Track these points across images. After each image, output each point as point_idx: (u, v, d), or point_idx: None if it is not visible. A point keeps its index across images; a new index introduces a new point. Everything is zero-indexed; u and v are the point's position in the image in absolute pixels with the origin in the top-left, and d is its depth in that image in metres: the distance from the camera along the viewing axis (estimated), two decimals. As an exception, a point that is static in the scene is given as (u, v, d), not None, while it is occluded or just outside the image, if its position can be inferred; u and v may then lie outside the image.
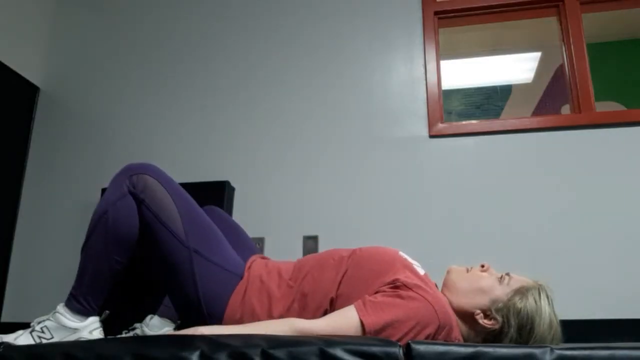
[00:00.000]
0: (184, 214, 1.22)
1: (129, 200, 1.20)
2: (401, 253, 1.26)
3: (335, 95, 2.56)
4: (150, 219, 1.20)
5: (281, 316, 1.17)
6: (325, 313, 1.16)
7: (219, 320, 1.19)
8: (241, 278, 1.23)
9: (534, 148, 2.31)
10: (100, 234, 1.18)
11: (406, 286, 1.11)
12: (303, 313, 1.16)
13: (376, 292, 1.12)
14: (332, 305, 1.17)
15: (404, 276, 1.14)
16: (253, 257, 1.34)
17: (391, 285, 1.12)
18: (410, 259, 1.25)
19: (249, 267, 1.27)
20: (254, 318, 1.17)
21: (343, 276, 1.19)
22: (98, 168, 2.64)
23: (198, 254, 1.20)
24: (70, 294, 1.18)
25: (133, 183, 1.21)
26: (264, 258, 1.39)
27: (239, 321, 1.18)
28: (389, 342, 0.89)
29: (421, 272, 1.22)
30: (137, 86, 2.77)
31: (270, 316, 1.18)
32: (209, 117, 2.64)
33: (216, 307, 1.19)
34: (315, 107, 2.56)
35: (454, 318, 1.16)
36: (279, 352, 0.85)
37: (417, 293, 1.09)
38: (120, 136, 2.69)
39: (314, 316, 1.15)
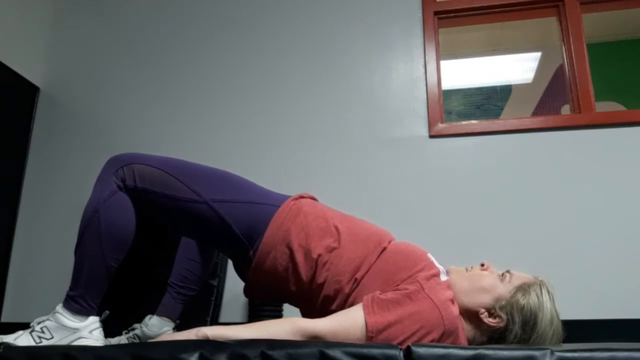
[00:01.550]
0: (182, 177, 1.22)
1: (120, 196, 1.20)
2: (430, 255, 1.26)
3: (336, 96, 2.56)
4: (159, 200, 1.21)
5: (312, 255, 1.18)
6: (338, 291, 1.16)
7: (257, 248, 1.21)
8: (279, 206, 1.24)
9: (534, 148, 2.31)
10: (93, 234, 1.18)
11: (421, 285, 1.11)
12: (330, 265, 1.17)
13: (393, 287, 1.12)
14: (352, 286, 1.16)
15: (423, 275, 1.14)
16: (303, 194, 1.34)
17: (407, 282, 1.12)
18: (437, 263, 1.24)
19: (297, 198, 1.28)
20: (288, 247, 1.19)
21: (372, 265, 1.19)
22: (98, 168, 2.62)
23: (217, 201, 1.21)
24: (67, 295, 1.18)
25: (121, 178, 1.20)
26: (313, 199, 1.39)
27: (275, 246, 1.19)
28: (389, 345, 0.89)
29: (444, 278, 1.20)
30: (137, 86, 2.76)
31: (305, 250, 1.19)
32: (211, 119, 2.64)
33: (255, 235, 1.20)
34: (316, 108, 2.56)
35: (461, 324, 1.15)
36: (278, 354, 0.85)
37: (427, 295, 1.09)
38: (121, 136, 2.69)
39: (333, 278, 1.16)
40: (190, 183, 1.22)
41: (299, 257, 1.19)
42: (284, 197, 1.28)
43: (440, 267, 1.24)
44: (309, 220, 1.23)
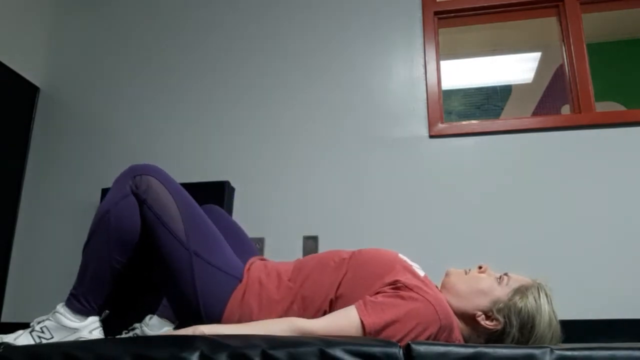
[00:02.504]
0: (185, 215, 1.22)
1: (131, 200, 1.20)
2: (401, 255, 1.26)
3: (336, 96, 2.56)
4: (152, 220, 1.20)
5: (278, 318, 1.17)
6: (324, 314, 1.15)
7: (217, 323, 1.19)
8: (240, 280, 1.23)
9: (534, 148, 2.31)
10: (102, 234, 1.19)
11: (407, 287, 1.11)
12: (303, 315, 1.16)
13: (377, 293, 1.12)
14: (332, 307, 1.17)
15: (404, 277, 1.14)
16: (252, 259, 1.33)
17: (392, 286, 1.12)
18: (410, 261, 1.25)
19: (248, 269, 1.27)
20: (252, 321, 1.17)
21: (343, 278, 1.19)
22: (98, 168, 2.64)
23: (198, 256, 1.20)
24: (71, 293, 1.19)
25: (136, 184, 1.21)
26: (262, 259, 1.39)
27: (239, 321, 1.17)
28: (389, 343, 0.89)
29: (421, 273, 1.22)
30: (137, 86, 2.77)
31: (268, 318, 1.17)
32: (209, 117, 2.64)
33: (214, 310, 1.19)
34: (316, 108, 2.56)
35: (455, 319, 1.16)
36: (278, 353, 0.85)
37: (417, 294, 1.09)
38: (120, 136, 2.69)
39: (314, 317, 1.15)
40: (187, 224, 1.21)
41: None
42: (241, 268, 1.27)
43: (415, 264, 1.25)
44: (264, 286, 1.22)
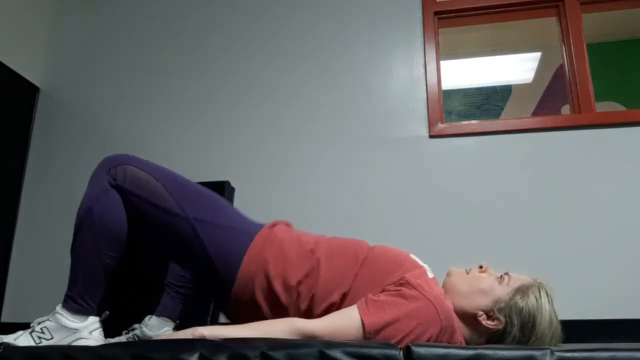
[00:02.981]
0: (172, 189, 1.22)
1: (112, 194, 1.20)
2: (412, 255, 1.26)
3: (336, 96, 2.55)
4: (141, 205, 1.20)
5: (291, 283, 1.16)
6: (331, 306, 1.15)
7: (233, 279, 1.19)
8: (254, 235, 1.22)
9: (534, 148, 2.31)
10: (88, 232, 1.19)
11: (410, 284, 1.11)
12: (313, 289, 1.15)
13: (382, 291, 1.12)
14: (342, 301, 1.15)
15: (410, 275, 1.14)
16: (276, 221, 1.33)
17: (396, 285, 1.12)
18: (420, 262, 1.25)
19: (271, 226, 1.27)
20: (266, 277, 1.17)
21: (357, 273, 1.18)
22: (98, 168, 2.64)
23: (199, 220, 1.20)
24: (66, 294, 1.18)
25: (113, 176, 1.21)
26: (287, 225, 1.38)
27: (252, 277, 1.18)
28: (388, 345, 0.89)
29: (430, 275, 1.21)
30: (137, 86, 2.76)
31: (283, 279, 1.17)
32: (209, 117, 2.64)
33: (231, 265, 1.19)
34: (316, 108, 2.56)
35: (456, 320, 1.16)
36: (278, 354, 0.85)
37: (420, 293, 1.09)
38: (120, 136, 2.69)
39: (320, 300, 1.14)
40: (177, 196, 1.22)
41: (278, 287, 1.17)
42: (260, 226, 1.27)
43: (425, 265, 1.24)
44: (285, 247, 1.21)
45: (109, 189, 1.20)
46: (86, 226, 1.19)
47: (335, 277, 1.17)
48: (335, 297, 1.16)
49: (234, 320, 1.30)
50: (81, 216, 1.20)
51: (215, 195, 1.29)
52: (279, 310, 1.18)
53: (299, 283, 1.17)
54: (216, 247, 1.19)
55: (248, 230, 1.24)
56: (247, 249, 1.20)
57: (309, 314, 1.16)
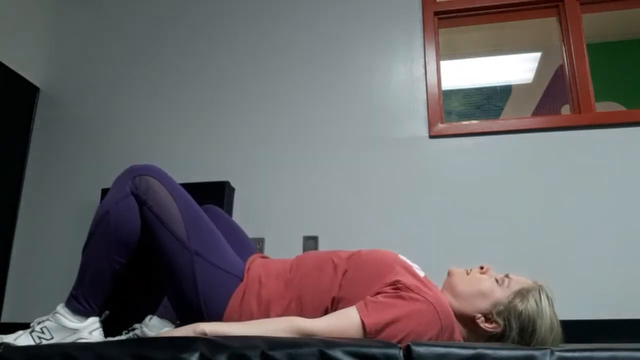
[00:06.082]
0: (185, 216, 1.22)
1: (131, 201, 1.20)
2: (401, 256, 1.26)
3: (336, 96, 2.56)
4: (153, 221, 1.20)
5: (278, 317, 1.16)
6: (326, 311, 1.15)
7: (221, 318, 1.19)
8: (241, 280, 1.23)
9: (534, 148, 2.31)
10: (102, 234, 1.19)
11: (407, 287, 1.10)
12: (301, 314, 1.16)
13: (377, 293, 1.12)
14: (334, 306, 1.16)
15: (404, 278, 1.14)
16: (252, 257, 1.33)
17: (392, 287, 1.12)
18: (409, 262, 1.24)
19: (248, 269, 1.27)
20: (250, 317, 1.17)
21: (343, 277, 1.19)
22: (98, 168, 2.64)
23: (199, 256, 1.20)
24: (71, 294, 1.19)
25: (136, 184, 1.21)
26: (263, 257, 1.39)
27: (238, 319, 1.17)
28: (389, 344, 0.89)
29: (421, 274, 1.21)
30: (137, 86, 2.76)
31: (266, 315, 1.17)
32: (209, 117, 2.64)
33: (215, 309, 1.19)
34: (316, 108, 2.56)
35: (455, 320, 1.16)
36: (278, 354, 0.85)
37: (418, 294, 1.09)
38: (120, 136, 2.69)
39: (313, 316, 1.14)
40: (188, 225, 1.21)
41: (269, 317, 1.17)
42: (242, 267, 1.27)
43: (415, 265, 1.24)
44: (266, 286, 1.21)
45: (129, 195, 1.20)
46: (102, 229, 1.19)
47: (317, 291, 1.18)
48: (326, 302, 1.16)
49: None
50: (98, 219, 1.20)
51: (216, 230, 1.29)
52: None
53: (285, 312, 1.17)
54: (206, 287, 1.19)
55: (235, 274, 1.24)
56: (232, 294, 1.20)
57: None
